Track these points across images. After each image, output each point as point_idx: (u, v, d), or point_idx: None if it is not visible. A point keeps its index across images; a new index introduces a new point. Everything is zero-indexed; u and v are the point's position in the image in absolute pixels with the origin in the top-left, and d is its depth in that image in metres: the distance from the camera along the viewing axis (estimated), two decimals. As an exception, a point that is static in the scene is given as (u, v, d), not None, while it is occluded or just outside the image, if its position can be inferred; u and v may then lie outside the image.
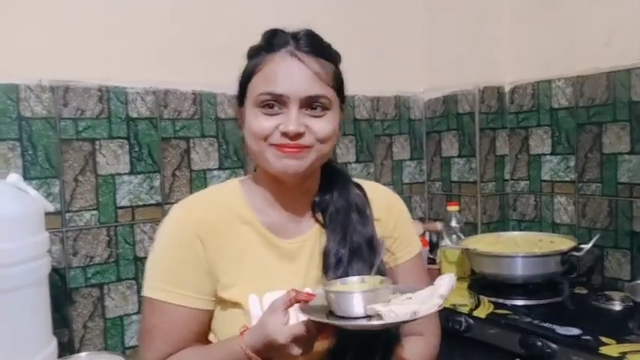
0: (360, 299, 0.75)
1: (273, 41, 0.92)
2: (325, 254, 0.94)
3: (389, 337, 0.93)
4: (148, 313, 0.92)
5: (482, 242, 1.73)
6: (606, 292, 1.52)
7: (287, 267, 0.95)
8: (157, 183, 1.54)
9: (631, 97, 1.59)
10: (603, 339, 1.21)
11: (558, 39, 1.79)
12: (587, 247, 1.55)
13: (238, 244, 0.93)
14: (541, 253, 1.57)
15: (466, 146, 1.95)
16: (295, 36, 0.92)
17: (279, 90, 0.88)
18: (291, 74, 0.89)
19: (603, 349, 1.16)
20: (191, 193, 1.57)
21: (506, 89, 1.95)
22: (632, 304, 1.43)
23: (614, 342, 1.19)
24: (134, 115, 1.50)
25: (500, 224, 1.96)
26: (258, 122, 0.89)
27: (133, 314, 1.50)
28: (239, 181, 1.02)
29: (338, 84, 0.95)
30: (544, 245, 1.65)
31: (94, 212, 1.45)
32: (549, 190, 1.85)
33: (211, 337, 0.95)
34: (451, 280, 0.79)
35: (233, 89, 1.59)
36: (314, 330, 0.76)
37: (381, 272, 0.89)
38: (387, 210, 1.04)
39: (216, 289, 0.91)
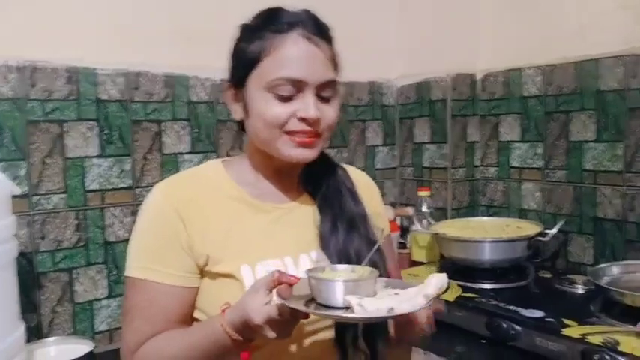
0: (340, 288, 0.73)
1: (279, 21, 0.90)
2: (322, 228, 0.95)
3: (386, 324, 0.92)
4: (129, 293, 0.92)
5: (452, 227, 1.76)
6: (569, 276, 1.57)
7: (279, 232, 0.95)
8: (127, 167, 1.52)
9: (598, 86, 1.63)
10: (566, 321, 1.25)
11: (531, 28, 1.81)
12: (552, 232, 1.59)
13: (224, 218, 0.93)
14: (508, 238, 1.61)
15: (438, 132, 1.98)
16: (300, 17, 0.91)
17: (298, 75, 0.87)
18: (307, 58, 0.88)
19: (565, 331, 1.20)
20: (162, 177, 1.57)
21: (478, 77, 1.98)
22: (593, 287, 1.47)
23: (575, 324, 1.23)
24: (104, 97, 1.47)
25: (469, 210, 2.00)
26: (272, 108, 0.88)
27: (102, 299, 1.48)
28: (221, 161, 1.02)
29: (338, 68, 0.96)
30: (511, 230, 1.69)
31: (63, 196, 1.42)
32: (517, 176, 1.89)
33: (197, 314, 0.94)
34: (441, 280, 0.75)
35: (206, 72, 1.62)
36: (287, 315, 0.75)
37: (374, 264, 0.87)
38: (367, 190, 1.07)
39: (205, 264, 0.91)
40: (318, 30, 0.91)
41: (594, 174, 1.67)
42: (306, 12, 0.93)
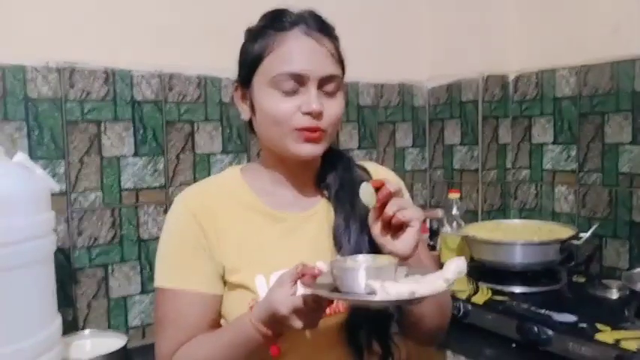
0: (362, 276, 0.73)
1: (282, 20, 0.92)
2: (336, 228, 0.95)
3: (400, 312, 0.94)
4: (159, 304, 0.95)
5: (483, 229, 1.74)
6: (604, 281, 1.54)
7: (295, 241, 0.96)
8: (160, 166, 1.55)
9: (634, 87, 1.60)
10: (599, 326, 1.22)
11: (563, 28, 1.78)
12: (585, 235, 1.56)
13: (240, 228, 0.95)
14: (540, 241, 1.58)
15: (469, 134, 1.96)
16: (302, 16, 0.93)
17: (299, 69, 0.88)
18: (308, 53, 0.90)
19: (598, 336, 1.17)
20: (194, 176, 1.60)
21: (510, 78, 1.95)
22: (628, 292, 1.44)
23: (609, 329, 1.21)
24: (139, 97, 1.51)
25: (500, 212, 1.98)
26: (277, 104, 0.89)
27: (135, 295, 1.52)
28: (239, 169, 1.03)
29: (343, 64, 0.96)
30: (543, 234, 1.66)
31: (99, 193, 1.47)
32: (550, 179, 1.86)
33: (222, 322, 0.96)
34: (460, 264, 0.75)
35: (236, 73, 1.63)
36: (312, 303, 0.76)
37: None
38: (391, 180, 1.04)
39: (222, 273, 0.93)
40: (319, 26, 0.93)
41: (630, 177, 1.63)
42: (309, 11, 0.94)
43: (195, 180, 1.59)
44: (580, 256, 1.75)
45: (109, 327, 1.48)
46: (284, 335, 0.83)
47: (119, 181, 1.49)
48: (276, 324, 0.80)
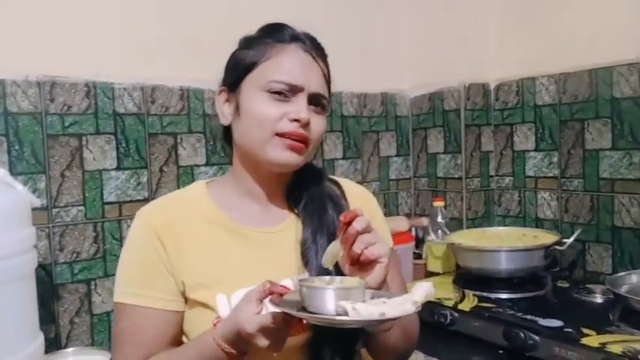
0: (332, 296, 0.73)
1: (282, 32, 0.94)
2: (303, 242, 0.94)
3: (364, 333, 0.93)
4: (118, 319, 0.93)
5: (468, 237, 1.75)
6: (588, 285, 1.55)
7: (260, 258, 0.94)
8: (144, 179, 1.54)
9: (613, 94, 1.63)
10: (585, 330, 1.23)
11: (543, 38, 1.82)
12: (569, 241, 1.58)
13: (204, 243, 0.93)
14: (524, 247, 1.60)
15: (452, 143, 1.98)
16: (301, 34, 0.95)
17: (296, 81, 0.90)
18: (306, 67, 0.92)
19: (584, 340, 1.18)
20: (179, 188, 1.58)
21: (492, 86, 1.98)
22: (612, 296, 1.46)
23: (594, 333, 1.22)
24: (121, 110, 1.50)
25: (485, 219, 1.99)
26: (265, 107, 0.90)
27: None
28: (205, 183, 1.02)
29: (329, 89, 0.98)
30: (527, 240, 1.68)
31: (81, 208, 1.45)
32: (533, 185, 1.88)
33: (184, 339, 0.94)
34: (428, 288, 0.76)
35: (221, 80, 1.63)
36: (281, 322, 0.74)
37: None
38: (362, 203, 1.04)
39: (183, 290, 0.91)
40: (316, 47, 0.95)
41: (611, 182, 1.65)
42: (306, 32, 0.97)
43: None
44: (564, 262, 1.77)
45: (93, 344, 1.45)
46: (248, 354, 0.81)
47: (102, 195, 1.47)
48: (240, 342, 0.78)
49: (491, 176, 2.00)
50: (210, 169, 1.65)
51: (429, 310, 1.46)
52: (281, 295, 0.76)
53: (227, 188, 1.00)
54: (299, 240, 0.95)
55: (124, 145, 1.50)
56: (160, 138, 1.56)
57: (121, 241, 1.50)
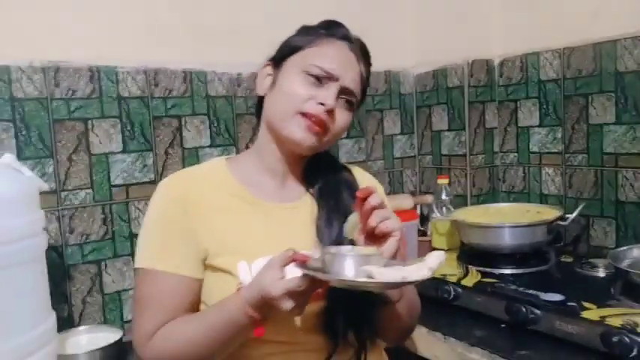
0: (354, 261, 0.78)
1: (336, 29, 1.02)
2: (319, 221, 1.00)
3: (376, 300, 0.98)
4: (140, 284, 0.96)
5: (471, 214, 1.76)
6: (591, 260, 1.56)
7: (278, 231, 0.99)
8: (149, 161, 1.56)
9: (617, 67, 1.61)
10: (585, 304, 1.24)
11: (546, 12, 1.79)
12: (572, 216, 1.58)
13: (226, 213, 0.98)
14: (527, 223, 1.60)
15: (455, 120, 1.97)
16: (352, 36, 1.04)
17: (333, 70, 0.97)
18: (346, 63, 0.99)
19: (585, 314, 1.19)
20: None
21: (495, 62, 1.96)
22: (614, 270, 1.47)
23: (594, 307, 1.23)
24: (125, 94, 1.52)
25: (490, 196, 2.00)
26: (297, 85, 0.96)
27: (130, 289, 1.54)
28: (225, 159, 1.07)
29: (364, 89, 1.06)
30: (531, 216, 1.68)
31: (89, 191, 1.47)
32: (537, 161, 1.88)
33: (202, 307, 0.98)
34: (440, 256, 0.82)
35: (223, 67, 1.65)
36: (308, 285, 0.78)
37: None
38: (367, 183, 1.11)
39: (205, 257, 0.95)
40: (363, 52, 1.04)
41: (615, 157, 1.65)
42: (359, 38, 1.06)
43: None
44: (568, 237, 1.77)
45: (105, 322, 1.50)
46: (267, 319, 0.85)
47: (109, 178, 1.50)
48: (264, 307, 0.82)
49: (496, 153, 2.00)
50: (215, 151, 1.66)
51: (433, 285, 1.48)
52: (303, 262, 0.81)
53: (246, 164, 1.06)
54: (314, 217, 1.01)
55: (129, 128, 1.52)
56: (164, 120, 1.58)
57: (129, 222, 1.53)
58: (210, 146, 1.66)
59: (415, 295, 1.09)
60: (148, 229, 0.99)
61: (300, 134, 0.96)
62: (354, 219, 0.91)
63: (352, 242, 0.93)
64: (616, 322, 1.14)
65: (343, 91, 0.98)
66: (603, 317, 1.17)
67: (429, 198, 1.97)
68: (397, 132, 2.10)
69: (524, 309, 1.30)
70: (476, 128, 1.95)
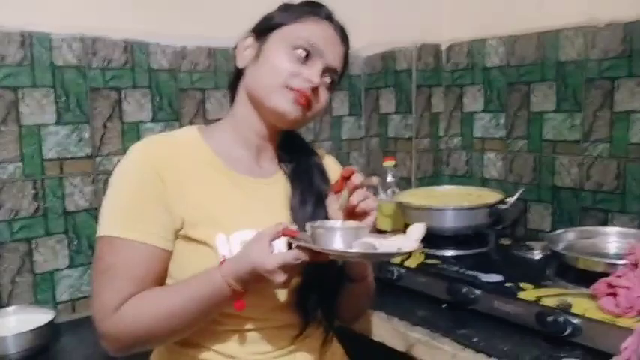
0: (345, 235, 0.82)
1: (320, 9, 1.03)
2: (292, 201, 1.01)
3: (345, 278, 1.04)
4: (105, 253, 0.90)
5: (416, 196, 1.78)
6: (528, 243, 1.62)
7: (254, 205, 0.98)
8: (86, 135, 1.48)
9: (559, 57, 1.66)
10: (522, 285, 1.28)
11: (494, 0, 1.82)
12: (511, 200, 1.62)
13: (202, 183, 0.95)
14: (469, 206, 1.64)
15: (403, 103, 1.98)
16: (335, 17, 1.04)
17: (321, 46, 0.97)
18: (331, 42, 1.00)
19: (521, 294, 1.23)
20: (124, 145, 1.54)
21: (443, 47, 1.98)
22: (550, 252, 1.52)
23: (531, 287, 1.27)
24: (60, 62, 1.42)
25: (434, 179, 2.03)
26: (285, 60, 0.96)
27: (64, 269, 1.46)
28: (197, 128, 1.03)
29: (342, 74, 1.07)
30: (473, 199, 1.72)
31: (19, 164, 1.38)
32: (480, 146, 1.92)
33: (169, 281, 0.94)
34: (421, 227, 0.89)
35: (167, 39, 1.58)
36: (306, 257, 0.81)
37: None
38: (335, 174, 1.11)
39: (180, 227, 0.91)
40: (344, 35, 1.05)
41: (553, 144, 1.70)
42: (340, 20, 1.06)
43: (124, 149, 1.53)
44: (507, 220, 1.82)
45: (37, 302, 1.42)
46: (248, 293, 0.86)
47: (40, 151, 1.41)
48: (251, 280, 0.83)
49: (441, 137, 2.03)
50: (157, 126, 1.60)
51: (377, 266, 1.49)
52: (292, 236, 0.83)
53: (221, 135, 1.03)
54: (287, 196, 1.02)
55: (63, 99, 1.44)
56: (102, 92, 1.50)
57: (63, 199, 1.45)
58: (152, 121, 1.59)
59: (373, 276, 1.12)
60: (116, 194, 0.93)
61: (287, 106, 0.96)
62: (344, 198, 0.92)
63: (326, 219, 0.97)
64: (551, 302, 1.18)
65: (327, 70, 0.99)
66: (539, 297, 1.21)
67: (375, 180, 1.95)
68: (345, 113, 2.09)
69: (465, 289, 1.33)
70: (422, 112, 1.97)
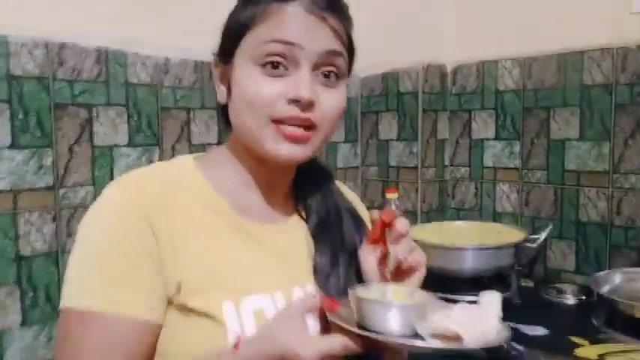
0: (407, 314, 0.61)
1: None
2: (320, 266, 0.77)
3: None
4: (73, 332, 0.66)
5: (426, 232, 1.60)
6: (557, 285, 1.45)
7: (267, 260, 0.75)
8: (48, 161, 1.21)
9: (583, 80, 1.53)
10: (574, 339, 1.11)
11: (507, 17, 1.69)
12: (541, 237, 1.46)
13: (201, 234, 0.71)
14: (494, 245, 1.46)
15: (407, 129, 1.80)
16: None
17: (293, 37, 0.70)
18: (306, 28, 0.71)
19: (579, 352, 1.06)
20: (93, 174, 1.28)
21: (448, 69, 1.83)
22: (584, 297, 1.36)
23: (586, 342, 1.10)
24: (18, 72, 1.16)
25: (438, 213, 1.85)
26: (257, 86, 0.70)
27: (14, 329, 1.17)
28: (193, 158, 0.79)
29: (351, 50, 0.77)
30: (492, 236, 1.55)
31: (-39, 197, 1.10)
32: (491, 177, 1.76)
33: None
34: (497, 297, 0.67)
35: (148, 48, 1.35)
36: (357, 348, 0.60)
37: None
38: (361, 213, 0.88)
39: (174, 293, 0.68)
40: (329, 3, 0.73)
41: (577, 174, 1.56)
42: None
43: (94, 179, 1.27)
44: (523, 258, 1.65)
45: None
46: None
47: (-11, 181, 1.14)
48: None
49: (446, 166, 1.86)
50: (134, 151, 1.34)
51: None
52: (331, 310, 0.64)
53: (222, 169, 0.79)
54: (308, 245, 0.79)
55: (20, 117, 1.17)
56: (69, 110, 1.24)
57: (16, 240, 1.17)
58: (127, 145, 1.33)
59: None
60: (88, 251, 0.69)
61: (283, 148, 0.71)
62: (393, 256, 0.71)
63: (360, 280, 0.75)
64: (617, 361, 1.01)
65: (319, 63, 0.71)
66: (601, 356, 1.04)
67: (375, 214, 1.78)
68: (341, 140, 1.88)
69: (504, 345, 1.14)
70: (428, 139, 1.79)
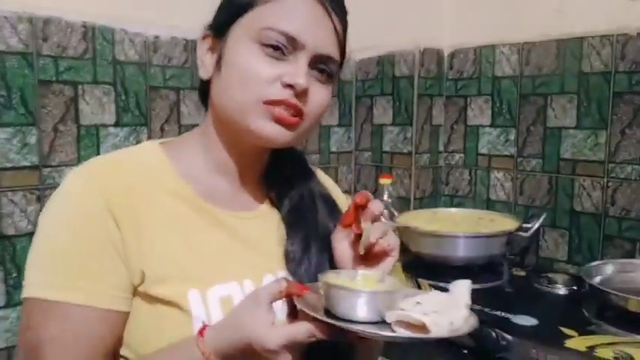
0: (375, 301, 0.60)
1: None
2: (291, 245, 0.76)
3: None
4: (34, 322, 0.65)
5: (419, 219, 1.58)
6: (548, 275, 1.44)
7: (236, 248, 0.74)
8: (32, 139, 1.18)
9: (581, 67, 1.50)
10: (564, 330, 1.10)
11: (506, 2, 1.65)
12: (534, 227, 1.44)
13: (166, 222, 0.70)
14: (487, 233, 1.45)
15: (401, 113, 1.77)
16: None
17: (298, 34, 0.69)
18: (313, 21, 0.71)
19: (569, 343, 1.04)
20: (79, 153, 1.25)
21: (445, 53, 1.79)
22: (575, 287, 1.35)
23: (575, 334, 1.08)
24: (1, 47, 1.13)
25: (432, 199, 1.83)
26: (254, 63, 0.69)
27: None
28: (159, 144, 0.77)
29: (344, 53, 0.76)
30: (485, 224, 1.53)
31: (-59, 175, 1.08)
32: (486, 164, 1.73)
33: (124, 351, 0.69)
34: (468, 284, 0.68)
35: (137, 25, 1.31)
36: (323, 336, 0.59)
37: None
38: (338, 201, 0.87)
39: (140, 282, 0.67)
40: (336, 3, 0.74)
41: (573, 163, 1.53)
42: None
43: (79, 159, 1.24)
44: (515, 247, 1.64)
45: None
46: None
47: (-29, 159, 1.11)
48: (242, 357, 0.62)
49: (440, 152, 1.84)
50: (121, 131, 1.32)
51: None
52: (299, 296, 0.62)
53: (190, 154, 0.77)
54: (279, 233, 0.78)
55: (3, 93, 1.14)
56: (54, 87, 1.21)
57: (0, 220, 1.15)
58: (115, 125, 1.30)
59: None
60: (49, 239, 0.67)
61: (271, 129, 0.70)
62: (366, 236, 0.70)
63: (333, 266, 0.75)
64: (606, 353, 1.00)
65: (317, 60, 0.71)
66: (591, 347, 1.02)
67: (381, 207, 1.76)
68: (334, 123, 1.85)
69: (494, 334, 1.13)
70: (423, 124, 1.76)
